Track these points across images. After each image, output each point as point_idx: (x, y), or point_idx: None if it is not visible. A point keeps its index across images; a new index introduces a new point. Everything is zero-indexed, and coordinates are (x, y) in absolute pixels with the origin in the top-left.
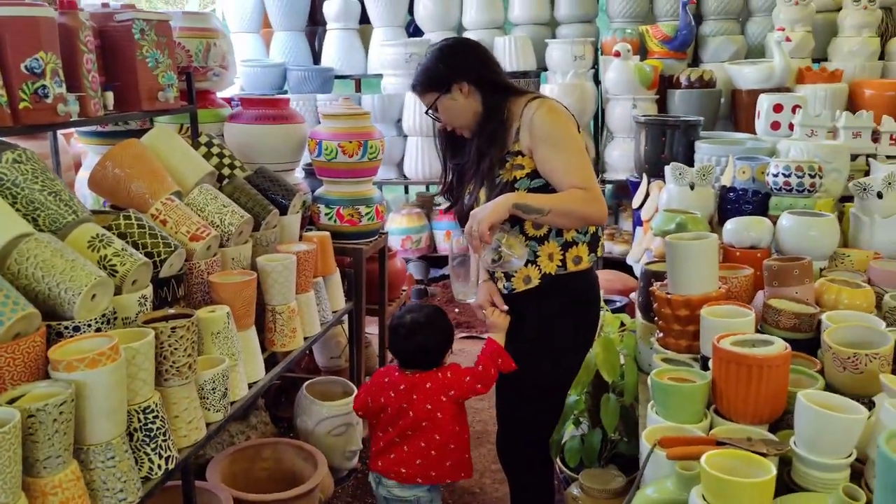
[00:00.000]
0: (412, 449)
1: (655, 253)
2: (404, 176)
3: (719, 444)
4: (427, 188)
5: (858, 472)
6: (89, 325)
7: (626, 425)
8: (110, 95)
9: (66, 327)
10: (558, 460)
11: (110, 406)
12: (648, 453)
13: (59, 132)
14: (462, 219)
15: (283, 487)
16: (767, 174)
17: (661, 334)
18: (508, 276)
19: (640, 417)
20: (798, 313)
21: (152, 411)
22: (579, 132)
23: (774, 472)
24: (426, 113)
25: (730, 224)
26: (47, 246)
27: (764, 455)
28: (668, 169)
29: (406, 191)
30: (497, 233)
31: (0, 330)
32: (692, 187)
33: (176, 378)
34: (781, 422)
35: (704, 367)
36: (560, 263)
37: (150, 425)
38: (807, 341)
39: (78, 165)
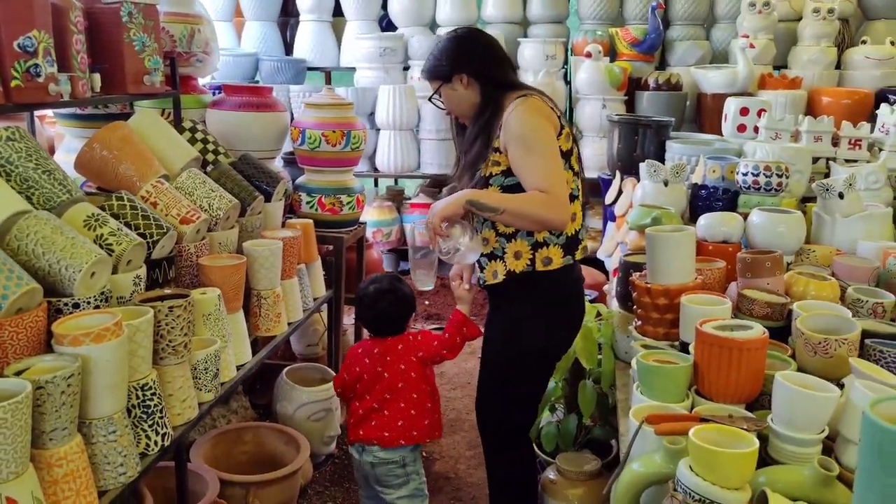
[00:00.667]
0: (392, 412)
1: (631, 246)
2: (375, 169)
3: (703, 420)
4: (396, 181)
5: (828, 449)
6: (88, 303)
7: (600, 411)
8: (97, 77)
9: (66, 304)
10: (535, 446)
11: (113, 381)
12: (637, 429)
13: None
14: None
15: (264, 470)
16: (737, 173)
17: (639, 322)
18: (481, 267)
19: (618, 402)
20: (770, 303)
21: (150, 388)
22: (566, 131)
23: (757, 444)
24: (429, 99)
25: (703, 219)
26: (47, 223)
27: (745, 430)
28: (642, 166)
29: (376, 184)
30: (453, 226)
31: (4, 304)
32: (666, 184)
33: (172, 357)
34: (756, 403)
35: (684, 352)
36: (528, 263)
37: (147, 402)
38: (777, 329)
39: (51, 149)
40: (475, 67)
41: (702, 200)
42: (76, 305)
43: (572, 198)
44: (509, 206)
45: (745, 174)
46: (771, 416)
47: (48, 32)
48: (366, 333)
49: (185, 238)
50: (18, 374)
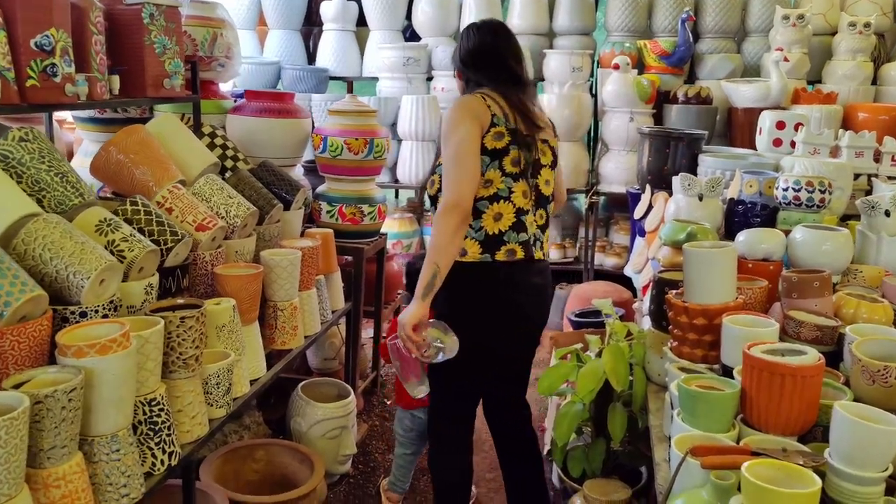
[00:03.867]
0: None
1: (665, 262)
2: (396, 180)
3: (754, 454)
4: (416, 193)
5: (892, 488)
6: (96, 311)
7: (630, 435)
8: (116, 79)
9: (73, 312)
10: (559, 470)
11: (119, 396)
12: (680, 462)
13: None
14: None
15: (275, 490)
16: (777, 188)
17: (675, 343)
18: None
19: (651, 427)
20: (820, 325)
21: (158, 404)
22: (499, 130)
23: (819, 483)
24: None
25: (742, 236)
26: (56, 227)
27: (800, 466)
28: (676, 180)
29: (396, 195)
30: (426, 329)
31: (7, 311)
32: (700, 198)
33: (182, 370)
34: (808, 435)
35: (726, 377)
36: None
37: (154, 418)
38: (827, 354)
39: (70, 153)
40: (461, 61)
41: (739, 216)
42: (83, 314)
43: (498, 198)
44: (432, 256)
45: (785, 189)
46: (828, 450)
47: (67, 32)
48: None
49: (201, 246)
50: (18, 386)
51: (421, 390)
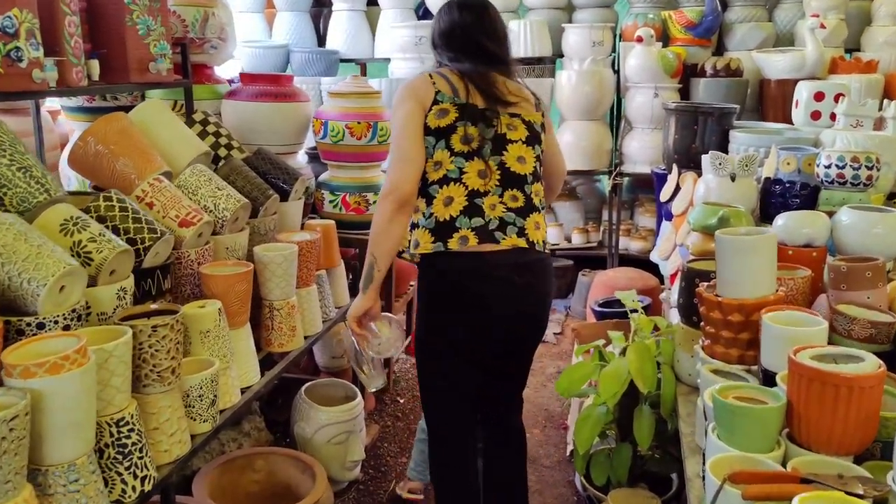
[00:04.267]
0: None
1: (694, 250)
2: None
3: (804, 481)
4: None
5: None
6: (56, 322)
7: (659, 439)
8: (95, 64)
9: (29, 324)
10: (582, 478)
11: (75, 419)
12: (718, 490)
13: (44, 108)
14: None
15: (276, 502)
16: (818, 165)
17: (707, 341)
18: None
19: (682, 436)
20: (875, 322)
21: (127, 424)
22: (443, 107)
23: None
24: None
25: (781, 219)
26: (9, 228)
27: (860, 497)
28: (706, 158)
29: None
30: (374, 321)
31: None
32: (733, 178)
33: (157, 384)
34: (866, 452)
35: (766, 383)
36: (408, 243)
37: (123, 440)
38: (883, 355)
39: (65, 145)
40: (431, 46)
41: (775, 197)
42: (41, 325)
43: (448, 180)
44: (370, 245)
45: (827, 166)
46: (892, 474)
47: (32, 12)
48: None
49: (185, 243)
50: None
51: (375, 384)
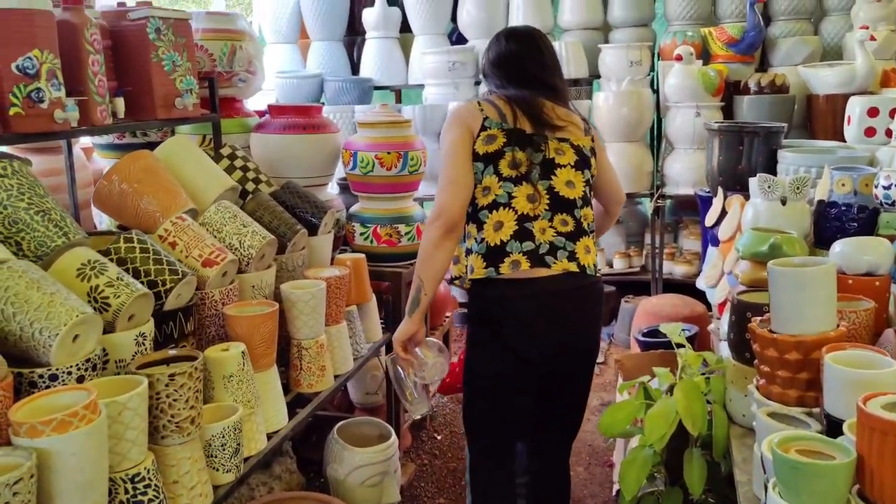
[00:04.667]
0: None
1: (744, 279)
2: None
3: None
4: None
5: None
6: (69, 373)
7: (711, 482)
8: (121, 102)
9: (41, 376)
10: None
11: (85, 479)
12: None
13: (78, 146)
14: None
15: None
16: (876, 186)
17: (762, 381)
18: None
19: (737, 484)
20: None
21: (143, 479)
22: (491, 132)
23: None
24: None
25: (838, 246)
26: (22, 276)
27: None
28: (753, 181)
29: None
30: (419, 347)
31: None
32: (784, 202)
33: (175, 435)
34: None
35: (831, 430)
36: (465, 268)
37: (140, 497)
38: None
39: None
40: (482, 75)
41: (831, 221)
42: (54, 377)
43: (498, 205)
44: (417, 268)
45: (887, 187)
46: None
47: (53, 52)
48: None
49: (209, 283)
50: None
51: (420, 410)
